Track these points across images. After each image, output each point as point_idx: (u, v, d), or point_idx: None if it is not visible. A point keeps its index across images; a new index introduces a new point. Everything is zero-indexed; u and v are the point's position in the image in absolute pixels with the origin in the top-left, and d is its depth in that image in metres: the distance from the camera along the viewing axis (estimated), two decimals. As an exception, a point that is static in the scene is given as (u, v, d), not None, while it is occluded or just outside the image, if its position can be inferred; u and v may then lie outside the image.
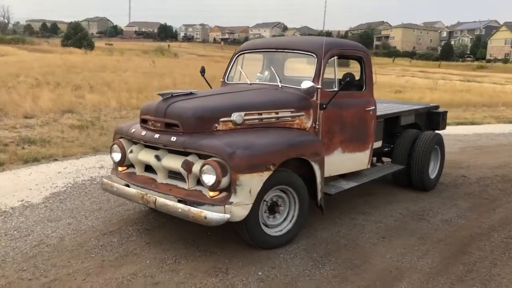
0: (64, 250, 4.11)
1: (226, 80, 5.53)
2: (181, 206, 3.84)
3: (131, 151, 4.40)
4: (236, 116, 4.15)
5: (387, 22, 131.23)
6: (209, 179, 3.79)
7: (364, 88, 5.36)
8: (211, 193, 3.85)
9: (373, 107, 5.33)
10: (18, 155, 7.23)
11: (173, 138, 3.99)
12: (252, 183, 3.81)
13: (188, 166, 3.94)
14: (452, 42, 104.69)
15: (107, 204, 5.31)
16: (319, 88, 4.67)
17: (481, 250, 4.46)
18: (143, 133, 4.25)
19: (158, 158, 4.17)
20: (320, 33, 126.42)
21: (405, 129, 6.53)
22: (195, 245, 4.29)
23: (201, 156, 3.96)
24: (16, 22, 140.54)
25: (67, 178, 6.36)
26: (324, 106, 4.70)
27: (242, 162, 3.74)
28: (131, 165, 4.59)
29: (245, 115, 4.22)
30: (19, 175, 6.43)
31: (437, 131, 6.91)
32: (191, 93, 4.40)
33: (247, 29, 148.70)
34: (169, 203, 3.91)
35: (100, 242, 4.31)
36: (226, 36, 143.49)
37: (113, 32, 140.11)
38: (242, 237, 4.17)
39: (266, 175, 3.89)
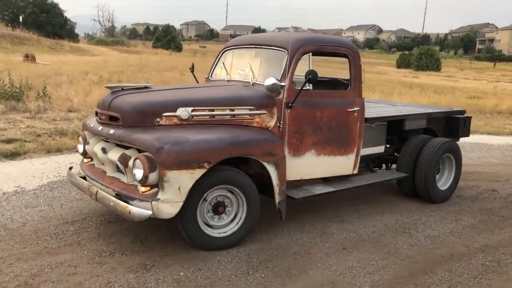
0: (17, 235, 4.28)
1: (210, 77, 5.44)
2: (113, 199, 3.83)
3: (88, 143, 4.48)
4: (181, 112, 4.06)
5: (492, 24, 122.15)
6: (138, 173, 3.74)
7: (349, 87, 5.00)
8: (143, 189, 3.80)
9: (357, 108, 4.94)
10: (44, 145, 7.70)
11: (112, 131, 4.00)
12: (181, 180, 3.69)
13: (124, 160, 3.92)
14: None
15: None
16: (284, 85, 4.42)
17: (449, 272, 3.94)
18: (92, 125, 4.32)
19: (104, 150, 4.20)
20: (416, 36, 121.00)
21: (416, 135, 5.99)
22: (142, 241, 4.26)
23: (140, 151, 3.92)
24: (123, 25, 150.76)
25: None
26: (290, 105, 4.45)
27: (169, 157, 3.64)
28: (97, 157, 4.68)
29: (193, 110, 4.11)
30: (34, 163, 6.84)
31: (453, 138, 6.29)
32: (145, 87, 4.39)
33: (340, 31, 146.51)
34: (106, 196, 3.92)
35: (56, 230, 4.44)
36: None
37: (209, 35, 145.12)
38: (182, 236, 4.07)
39: (198, 172, 3.75)
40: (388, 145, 6.23)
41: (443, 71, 48.99)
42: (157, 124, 4.01)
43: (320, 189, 4.88)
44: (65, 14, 55.22)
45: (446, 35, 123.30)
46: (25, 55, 19.46)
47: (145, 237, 4.33)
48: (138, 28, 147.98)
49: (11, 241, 4.14)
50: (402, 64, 54.29)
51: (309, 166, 4.75)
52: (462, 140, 10.83)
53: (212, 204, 4.09)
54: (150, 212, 3.65)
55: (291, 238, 4.48)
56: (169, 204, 3.70)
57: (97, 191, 4.04)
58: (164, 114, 4.02)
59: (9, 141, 7.79)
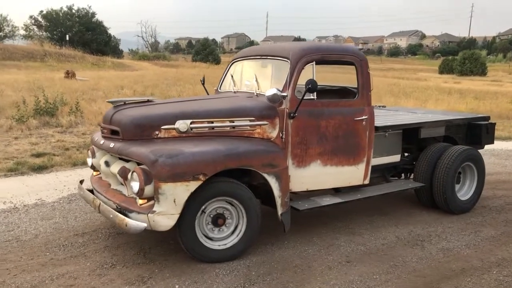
0: (27, 247, 4.41)
1: (219, 89, 5.47)
2: (112, 212, 3.89)
3: (95, 157, 4.58)
4: (180, 124, 4.09)
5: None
6: (134, 186, 3.79)
7: (356, 96, 4.89)
8: (140, 201, 3.84)
9: (366, 117, 4.82)
10: (71, 159, 7.96)
11: (111, 144, 4.08)
12: (176, 192, 3.71)
13: (124, 173, 3.98)
14: None
15: (103, 207, 5.58)
16: (285, 95, 4.38)
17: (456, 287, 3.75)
18: (96, 139, 4.42)
19: (107, 164, 4.29)
20: (462, 41, 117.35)
21: (434, 143, 5.79)
22: (146, 253, 4.30)
23: (139, 164, 3.97)
24: (167, 40, 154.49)
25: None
26: (292, 115, 4.40)
27: (164, 170, 3.67)
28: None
29: (192, 123, 4.14)
30: (58, 176, 7.07)
31: (476, 146, 6.03)
32: (147, 101, 4.46)
33: (382, 38, 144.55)
34: (107, 208, 3.99)
35: (65, 241, 4.55)
36: (360, 46, 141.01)
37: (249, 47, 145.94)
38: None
39: (193, 185, 3.75)
40: (407, 154, 6.06)
41: (489, 76, 47.24)
42: (156, 137, 4.05)
43: (327, 201, 4.79)
44: (109, 32, 57.25)
45: (494, 38, 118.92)
46: (66, 71, 20.30)
47: (150, 250, 4.37)
48: (181, 42, 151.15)
49: (20, 253, 4.27)
50: (444, 69, 52.74)
51: (315, 176, 4.66)
52: (499, 147, 10.42)
53: (212, 216, 4.08)
54: (145, 225, 3.68)
55: (295, 251, 4.40)
56: (165, 216, 3.72)
57: (100, 203, 4.12)
58: (162, 127, 4.06)
59: (39, 155, 8.10)
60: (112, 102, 4.33)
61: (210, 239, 4.10)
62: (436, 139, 5.99)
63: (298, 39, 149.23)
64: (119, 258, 4.19)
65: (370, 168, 5.01)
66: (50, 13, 52.56)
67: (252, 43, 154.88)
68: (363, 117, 4.82)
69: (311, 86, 4.27)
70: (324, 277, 3.87)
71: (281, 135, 4.42)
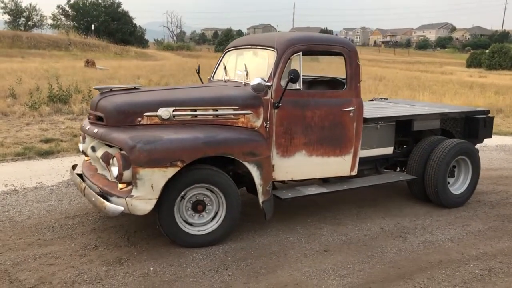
0: (18, 227, 4.59)
1: (212, 78, 5.54)
2: (94, 195, 4.02)
3: (84, 142, 4.72)
4: (162, 111, 4.18)
5: None
6: (114, 171, 3.91)
7: (345, 87, 4.89)
8: (120, 185, 3.95)
9: (353, 108, 4.82)
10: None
11: (95, 130, 4.20)
12: (153, 178, 3.80)
13: (107, 157, 4.10)
14: None
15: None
16: (269, 85, 4.42)
17: (429, 279, 3.75)
18: (84, 125, 4.55)
19: (93, 149, 4.42)
20: (494, 34, 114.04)
21: (428, 136, 5.74)
22: (130, 236, 4.42)
23: (121, 149, 4.08)
24: (193, 31, 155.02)
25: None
26: (276, 105, 4.44)
27: (141, 156, 3.77)
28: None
29: (175, 110, 4.22)
30: (63, 162, 7.28)
31: (474, 140, 5.96)
32: (134, 88, 4.56)
33: (411, 31, 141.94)
34: (90, 192, 4.12)
35: (56, 223, 4.72)
36: (388, 38, 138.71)
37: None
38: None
39: (171, 171, 3.84)
40: (405, 147, 6.02)
41: (520, 70, 45.89)
42: (138, 123, 4.15)
43: (312, 190, 4.82)
44: (135, 22, 57.90)
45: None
46: (86, 60, 20.70)
47: (134, 233, 4.49)
48: (207, 33, 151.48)
49: (10, 232, 4.45)
50: (472, 63, 51.49)
51: (299, 166, 4.70)
52: (509, 142, 10.21)
53: (192, 202, 4.17)
54: (122, 208, 3.79)
55: (276, 238, 4.46)
56: (142, 201, 3.83)
57: (85, 187, 4.26)
58: (145, 114, 4.16)
59: (47, 140, 8.34)
60: (98, 89, 4.44)
61: (190, 224, 4.20)
62: (433, 132, 5.94)
63: (324, 31, 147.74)
64: (103, 240, 4.33)
65: (357, 159, 5.01)
66: (77, 2, 53.48)
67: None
68: (351, 108, 4.82)
69: (293, 76, 4.30)
70: (297, 265, 3.92)
71: (265, 124, 4.47)
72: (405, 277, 3.78)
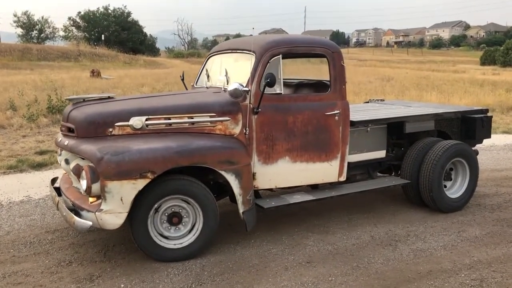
0: (-5, 243, 4.48)
1: (195, 85, 5.39)
2: (65, 209, 3.88)
3: (61, 155, 4.59)
4: (134, 121, 4.03)
5: None
6: (83, 184, 3.77)
7: (329, 90, 4.69)
8: (91, 199, 3.81)
9: (338, 111, 4.61)
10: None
11: (66, 142, 4.07)
12: (123, 190, 3.65)
13: (77, 170, 3.96)
14: None
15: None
16: (247, 90, 4.24)
17: (415, 291, 3.53)
18: (57, 137, 4.42)
19: (67, 161, 4.28)
20: (509, 30, 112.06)
21: (422, 138, 5.50)
22: (108, 251, 4.27)
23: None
24: (205, 38, 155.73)
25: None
26: (255, 110, 4.26)
27: (109, 168, 3.62)
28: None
29: (148, 119, 4.07)
30: (55, 173, 7.13)
31: (472, 141, 5.70)
32: (108, 98, 4.42)
33: (423, 30, 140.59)
34: (62, 206, 3.99)
35: (34, 238, 4.59)
36: (400, 39, 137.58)
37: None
38: (139, 246, 4.02)
39: (141, 183, 3.68)
40: (398, 150, 5.78)
41: (536, 66, 44.95)
42: (109, 134, 4.00)
43: (297, 198, 4.63)
44: (145, 30, 58.28)
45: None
46: (91, 70, 20.76)
47: (113, 247, 4.34)
48: (219, 39, 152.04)
49: (-14, 249, 4.34)
50: (486, 61, 50.65)
51: (283, 174, 4.51)
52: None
53: (167, 214, 4.01)
54: (90, 223, 3.65)
55: (258, 250, 4.27)
56: (112, 215, 3.67)
57: (58, 201, 4.13)
58: (116, 124, 4.01)
59: (42, 152, 8.28)
60: (70, 100, 4.32)
61: (166, 237, 4.03)
62: (429, 134, 5.69)
63: (336, 33, 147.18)
64: (79, 255, 4.18)
65: (345, 164, 4.80)
66: (88, 14, 53.99)
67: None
68: (335, 112, 4.61)
69: (270, 80, 4.12)
70: (276, 278, 3.72)
71: (244, 131, 4.29)
72: (390, 290, 3.55)
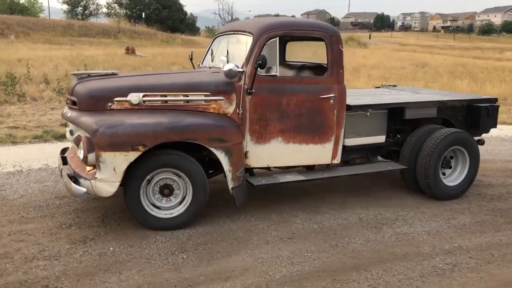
0: (8, 205, 4.86)
1: (200, 65, 5.58)
2: (65, 176, 4.20)
3: (68, 126, 4.91)
4: (132, 97, 4.27)
5: None
6: (81, 153, 4.06)
7: (325, 73, 4.79)
8: (88, 168, 4.10)
9: (333, 95, 4.71)
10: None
11: (69, 114, 4.37)
12: (115, 161, 3.92)
13: (77, 140, 4.25)
14: None
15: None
16: (242, 71, 4.40)
17: (385, 271, 3.65)
18: (64, 109, 4.73)
19: (71, 132, 4.60)
20: None
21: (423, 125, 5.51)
22: (106, 217, 4.57)
23: (90, 133, 4.20)
24: (246, 17, 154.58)
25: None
26: (249, 91, 4.42)
27: (103, 139, 3.89)
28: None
29: (145, 96, 4.30)
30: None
31: (478, 131, 5.68)
32: (112, 74, 4.68)
33: (474, 15, 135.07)
34: (64, 174, 4.31)
35: (44, 203, 4.96)
36: (448, 23, 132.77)
37: (330, 24, 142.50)
38: (134, 215, 4.30)
39: (132, 155, 3.94)
40: (398, 136, 5.82)
41: None
42: (108, 108, 4.26)
43: (289, 178, 4.79)
44: (185, 9, 58.74)
45: None
46: (126, 48, 21.31)
47: (112, 215, 4.64)
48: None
49: (-2, 210, 4.74)
50: (537, 48, 48.35)
51: (276, 154, 4.67)
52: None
53: (159, 186, 4.26)
54: (84, 190, 3.95)
55: (246, 224, 4.47)
56: (106, 183, 3.96)
57: (62, 169, 4.46)
58: (115, 99, 4.26)
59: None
60: (76, 75, 4.60)
61: (158, 207, 4.29)
62: (433, 121, 5.69)
63: (381, 16, 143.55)
64: (80, 220, 4.51)
65: (339, 147, 4.91)
66: (130, -9, 54.85)
67: (332, 20, 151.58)
68: (330, 95, 4.71)
69: (261, 62, 4.26)
70: (255, 251, 3.92)
71: (238, 111, 4.46)
72: (361, 268, 3.69)
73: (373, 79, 15.30)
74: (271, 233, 4.30)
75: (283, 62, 5.79)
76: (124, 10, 54.77)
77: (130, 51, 20.61)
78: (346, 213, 4.86)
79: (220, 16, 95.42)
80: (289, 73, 5.53)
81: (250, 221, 4.56)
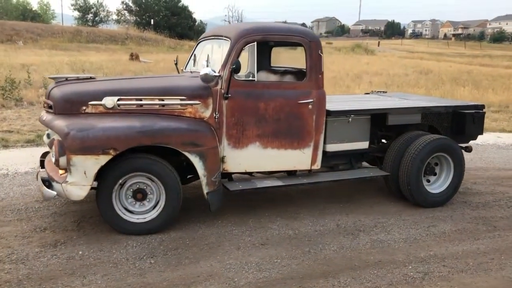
0: (-13, 208, 4.89)
1: (184, 69, 5.58)
2: (39, 180, 4.21)
3: (47, 130, 4.92)
4: (106, 100, 4.26)
5: None
6: (53, 157, 4.06)
7: (304, 78, 4.75)
8: (60, 171, 4.10)
9: (312, 100, 4.68)
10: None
11: (45, 117, 4.38)
12: (86, 165, 3.91)
13: (51, 144, 4.27)
14: None
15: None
16: (218, 75, 4.39)
17: (353, 278, 3.59)
18: (41, 113, 4.75)
19: (48, 136, 4.61)
20: None
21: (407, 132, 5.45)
22: (83, 221, 4.56)
23: (63, 136, 4.21)
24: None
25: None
26: (225, 95, 4.41)
27: (74, 143, 3.89)
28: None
29: (120, 100, 4.29)
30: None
31: (464, 137, 5.60)
32: (90, 78, 4.69)
33: (485, 22, 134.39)
34: (39, 178, 4.31)
35: (23, 206, 4.96)
36: (459, 31, 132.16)
37: (340, 31, 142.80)
38: (106, 218, 4.28)
39: (103, 158, 3.93)
40: (382, 142, 5.77)
41: None
42: (83, 112, 4.27)
43: (267, 183, 4.76)
44: (194, 16, 59.08)
45: None
46: (131, 54, 21.46)
47: (89, 219, 4.63)
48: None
49: (-25, 213, 4.75)
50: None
51: (253, 159, 4.64)
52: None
53: (133, 190, 4.25)
54: (55, 193, 3.96)
55: (220, 230, 4.44)
56: (77, 187, 3.95)
57: (38, 172, 4.47)
58: (90, 103, 4.26)
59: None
60: (53, 78, 4.62)
61: (131, 212, 4.28)
62: (419, 127, 5.63)
63: (391, 23, 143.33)
64: (56, 223, 4.51)
65: (319, 153, 4.87)
66: (140, -2, 55.34)
67: (343, 27, 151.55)
68: (309, 100, 4.68)
69: (235, 66, 4.25)
70: (224, 257, 3.88)
71: (214, 115, 4.45)
72: (329, 275, 3.64)
73: (375, 85, 15.20)
74: (244, 238, 4.26)
75: (267, 67, 5.79)
76: (134, 17, 55.19)
77: (134, 57, 20.76)
78: (325, 219, 4.80)
79: (229, 23, 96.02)
80: (273, 78, 5.50)
81: (226, 227, 4.53)
